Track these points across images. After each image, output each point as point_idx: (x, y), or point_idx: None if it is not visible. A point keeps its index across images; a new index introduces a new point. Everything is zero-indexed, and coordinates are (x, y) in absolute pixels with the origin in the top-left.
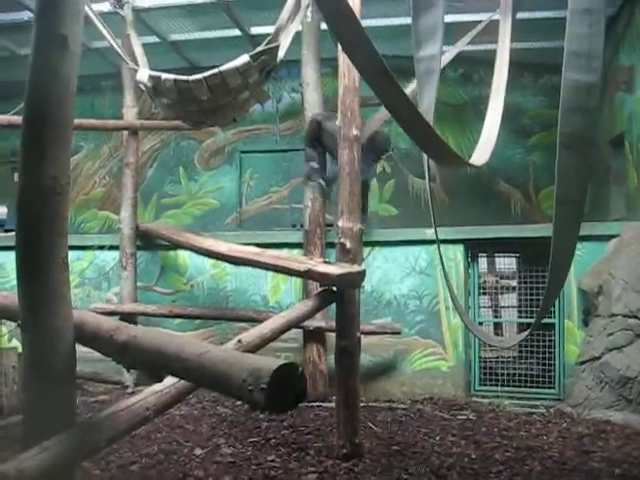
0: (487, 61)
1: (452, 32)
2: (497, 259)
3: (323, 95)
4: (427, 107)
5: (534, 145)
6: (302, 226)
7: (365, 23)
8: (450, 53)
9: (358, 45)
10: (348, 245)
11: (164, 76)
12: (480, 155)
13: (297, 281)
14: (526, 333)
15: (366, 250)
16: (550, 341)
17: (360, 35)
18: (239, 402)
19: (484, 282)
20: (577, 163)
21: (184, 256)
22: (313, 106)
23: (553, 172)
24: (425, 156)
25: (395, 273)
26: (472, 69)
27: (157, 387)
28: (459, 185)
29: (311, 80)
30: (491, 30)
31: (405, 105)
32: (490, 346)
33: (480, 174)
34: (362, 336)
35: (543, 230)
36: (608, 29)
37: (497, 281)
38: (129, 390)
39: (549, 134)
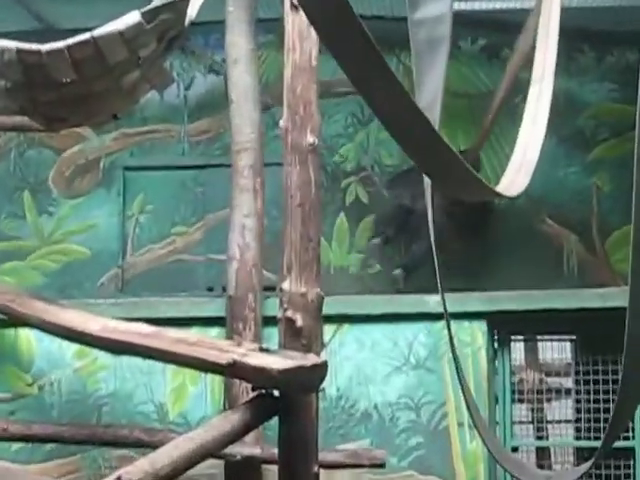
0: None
1: None
2: (541, 344)
3: (261, 78)
4: (430, 100)
5: (598, 160)
6: (224, 290)
7: None
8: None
9: None
10: (299, 321)
11: (0, 44)
12: (514, 179)
13: (215, 381)
14: (588, 465)
15: (329, 329)
16: (627, 476)
17: None
18: None
19: (520, 381)
20: None
21: (29, 338)
22: (244, 95)
23: (628, 203)
24: (425, 180)
25: (376, 367)
26: (500, 39)
27: None
28: (483, 226)
29: (241, 54)
30: None
31: (396, 96)
32: None
33: (515, 208)
34: (322, 471)
35: (614, 297)
36: None
37: (541, 380)
38: None
39: (621, 142)
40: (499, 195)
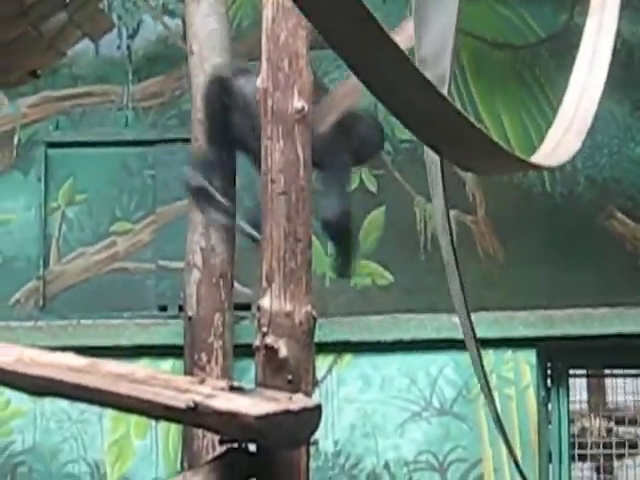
0: None
1: None
2: (610, 382)
3: (231, 21)
4: (435, 49)
5: None
6: (181, 309)
7: None
8: None
9: None
10: (283, 351)
11: None
12: (561, 140)
13: (170, 431)
14: None
15: (324, 361)
16: None
17: None
18: None
19: (582, 432)
20: None
21: None
22: (208, 46)
23: None
24: (429, 156)
25: (388, 413)
26: None
27: None
28: (527, 221)
29: None
30: None
31: (381, 48)
32: None
33: (573, 197)
34: None
35: None
36: None
37: (610, 430)
38: None
39: None
40: (534, 166)
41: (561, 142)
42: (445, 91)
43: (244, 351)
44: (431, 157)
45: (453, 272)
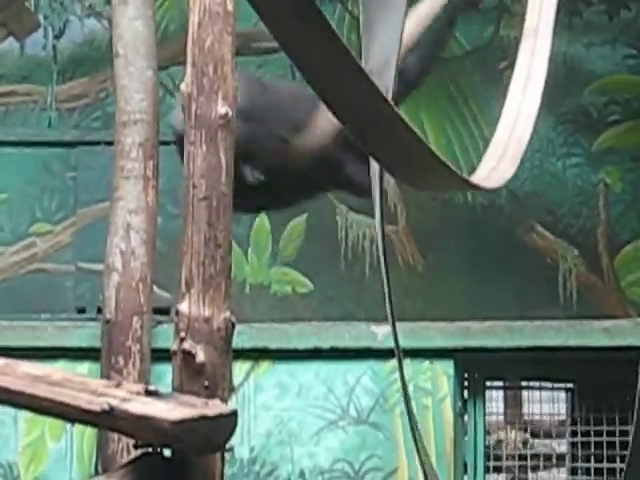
0: None
1: None
2: (527, 394)
3: (158, 24)
4: (382, 60)
5: (607, 149)
6: (100, 312)
7: None
8: None
9: None
10: (200, 356)
11: None
12: (496, 165)
13: (84, 434)
14: None
15: (242, 368)
16: None
17: None
18: None
19: (498, 444)
20: None
21: None
22: (134, 48)
23: None
24: (375, 167)
25: (304, 421)
26: None
27: None
28: (448, 231)
29: None
30: None
31: (334, 55)
32: None
33: (494, 210)
34: None
35: (625, 332)
36: None
37: (526, 442)
38: None
39: (638, 126)
40: (473, 187)
41: (496, 168)
42: None
43: (162, 355)
44: (372, 166)
45: (386, 282)
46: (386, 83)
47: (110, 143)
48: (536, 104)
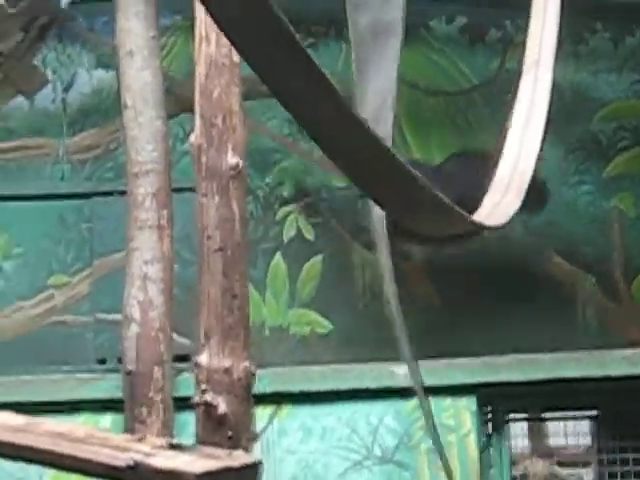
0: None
1: None
2: (551, 425)
3: (165, 73)
4: (377, 107)
5: (619, 176)
6: (120, 362)
7: None
8: None
9: None
10: (222, 407)
11: None
12: (500, 201)
13: None
14: None
15: (264, 412)
16: None
17: None
18: None
19: (525, 475)
20: None
21: None
22: (142, 99)
23: None
24: (375, 212)
25: (328, 462)
26: (485, 16)
27: None
28: (462, 265)
29: (138, 43)
30: None
31: (330, 105)
32: None
33: (509, 242)
34: None
35: None
36: None
37: (553, 472)
38: None
39: None
40: (478, 226)
41: (500, 203)
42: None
43: (184, 404)
44: (378, 214)
45: (399, 323)
46: (384, 128)
47: (123, 192)
48: (539, 136)
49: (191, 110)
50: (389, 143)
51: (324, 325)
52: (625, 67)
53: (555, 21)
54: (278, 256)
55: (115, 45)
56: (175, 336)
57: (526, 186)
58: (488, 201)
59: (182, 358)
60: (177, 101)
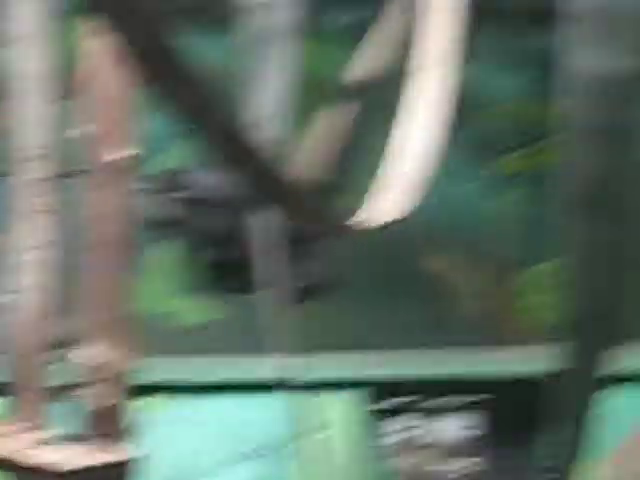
0: None
1: None
2: (437, 418)
3: (56, 59)
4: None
5: (508, 175)
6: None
7: None
8: None
9: None
10: (101, 398)
11: None
12: (384, 202)
13: None
14: None
15: (144, 404)
16: None
17: None
18: None
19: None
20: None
21: None
22: (29, 82)
23: (545, 232)
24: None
25: (209, 454)
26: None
27: None
28: (349, 263)
29: (28, 27)
30: None
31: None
32: None
33: (389, 236)
34: None
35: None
36: None
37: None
38: None
39: (536, 153)
40: (350, 230)
41: (386, 202)
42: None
43: (63, 393)
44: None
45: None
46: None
47: (8, 177)
48: (429, 135)
49: (81, 96)
50: (282, 143)
51: (211, 314)
52: (517, 67)
53: (448, 19)
54: (164, 244)
55: (3, 29)
56: (56, 324)
57: (414, 186)
58: (372, 200)
59: (63, 346)
60: (67, 86)
